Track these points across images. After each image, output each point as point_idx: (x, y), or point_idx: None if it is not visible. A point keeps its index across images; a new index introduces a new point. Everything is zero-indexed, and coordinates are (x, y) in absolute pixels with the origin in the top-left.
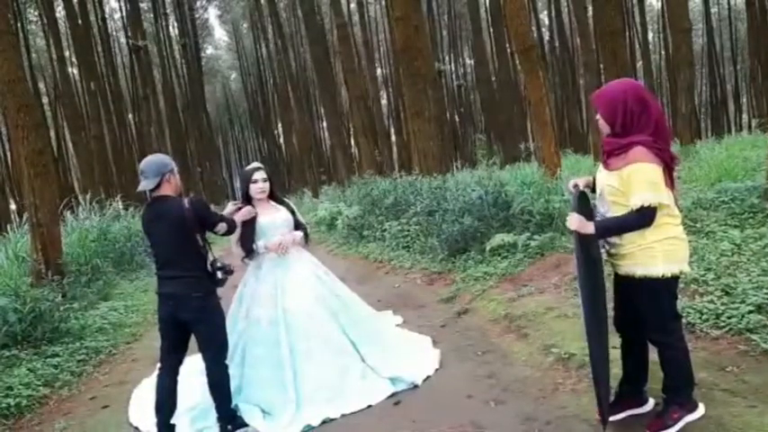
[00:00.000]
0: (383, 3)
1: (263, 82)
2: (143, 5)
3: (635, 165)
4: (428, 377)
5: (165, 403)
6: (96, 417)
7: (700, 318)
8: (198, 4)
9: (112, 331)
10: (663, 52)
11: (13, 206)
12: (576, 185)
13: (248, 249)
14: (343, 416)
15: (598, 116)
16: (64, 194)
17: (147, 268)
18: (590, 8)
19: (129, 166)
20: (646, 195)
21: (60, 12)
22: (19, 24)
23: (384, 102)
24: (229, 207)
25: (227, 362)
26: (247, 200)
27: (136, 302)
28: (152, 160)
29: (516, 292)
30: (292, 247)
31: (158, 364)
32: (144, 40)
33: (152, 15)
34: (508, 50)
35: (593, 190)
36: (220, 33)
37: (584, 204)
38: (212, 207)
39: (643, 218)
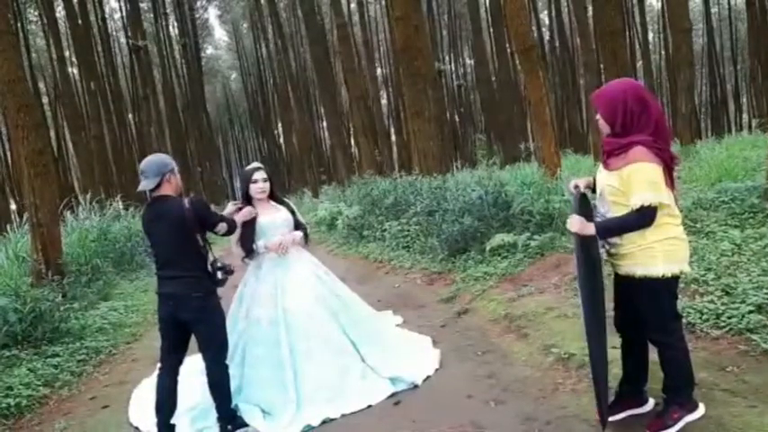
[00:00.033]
0: (383, 3)
1: (263, 82)
2: (143, 5)
3: (635, 164)
4: (428, 377)
5: (166, 403)
6: (96, 417)
7: (700, 318)
8: (198, 4)
9: (112, 331)
10: (663, 52)
11: (13, 206)
12: (576, 187)
13: (248, 249)
14: (343, 416)
15: (598, 116)
16: (64, 194)
17: (147, 268)
18: (590, 8)
19: (130, 166)
20: (646, 195)
21: (60, 12)
22: (19, 24)
23: (384, 102)
24: (230, 207)
25: (227, 362)
26: (247, 200)
27: (136, 302)
28: (152, 160)
29: (516, 292)
30: (292, 247)
31: (158, 364)
32: (144, 40)
33: (152, 15)
34: (508, 50)
35: (594, 190)
36: (220, 33)
37: (584, 205)
38: (212, 207)
39: (643, 218)
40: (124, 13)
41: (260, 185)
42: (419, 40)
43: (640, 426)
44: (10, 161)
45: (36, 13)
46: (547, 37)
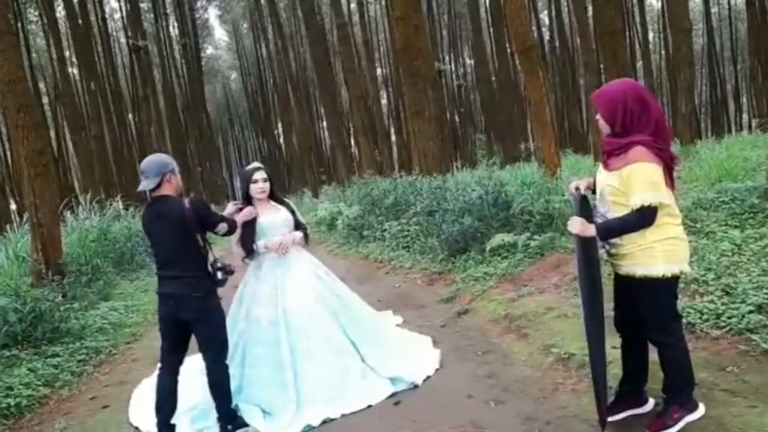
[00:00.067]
0: (383, 3)
1: (263, 82)
2: (143, 5)
3: (635, 164)
4: (428, 377)
5: (166, 403)
6: (96, 417)
7: (700, 318)
8: (198, 4)
9: (113, 331)
10: (663, 52)
11: (13, 206)
12: (577, 188)
13: (248, 249)
14: (343, 416)
15: (598, 116)
16: (64, 194)
17: (147, 268)
18: (590, 8)
19: (130, 166)
20: (646, 195)
21: (60, 12)
22: (19, 24)
23: (384, 102)
24: (230, 208)
25: (227, 362)
26: (247, 200)
27: (136, 302)
28: (153, 160)
29: (516, 292)
30: (292, 248)
31: (159, 364)
32: (144, 40)
33: (152, 15)
34: (508, 50)
35: (595, 192)
36: (220, 33)
37: (584, 207)
38: (213, 207)
39: (644, 218)
40: (124, 13)
41: (260, 185)
42: (419, 40)
43: (640, 426)
44: (10, 161)
45: (36, 13)
46: (547, 37)
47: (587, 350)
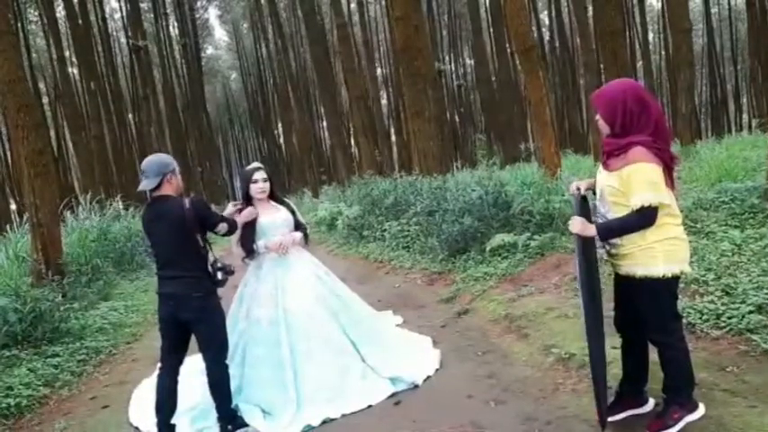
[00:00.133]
0: (383, 3)
1: (263, 82)
2: (143, 5)
3: (635, 165)
4: (428, 377)
5: (166, 403)
6: (96, 417)
7: (700, 318)
8: (198, 4)
9: (113, 331)
10: (663, 52)
11: (13, 206)
12: (578, 189)
13: (249, 249)
14: (343, 416)
15: (598, 116)
16: (64, 194)
17: (147, 268)
18: (590, 8)
19: (130, 166)
20: (646, 195)
21: (60, 12)
22: (19, 24)
23: (384, 102)
24: (230, 208)
25: (227, 362)
26: (247, 200)
27: (136, 302)
28: (153, 160)
29: (516, 292)
30: (292, 248)
31: (159, 364)
32: (144, 40)
33: (152, 15)
34: (508, 50)
35: (595, 192)
36: (220, 33)
37: (585, 207)
38: (212, 207)
39: (644, 218)
40: (124, 13)
41: (260, 185)
42: (419, 40)
43: (641, 426)
44: (10, 161)
45: (36, 13)
46: (547, 37)
47: (587, 350)
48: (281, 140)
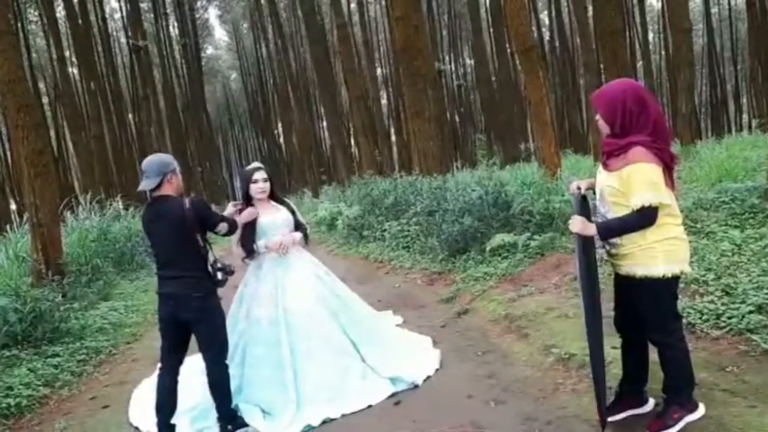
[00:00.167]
0: (383, 3)
1: (263, 82)
2: (143, 5)
3: (634, 165)
4: (428, 377)
5: (166, 403)
6: (96, 417)
7: (700, 318)
8: (198, 4)
9: (113, 331)
10: (663, 52)
11: (13, 206)
12: (578, 188)
13: (249, 249)
14: (343, 416)
15: (598, 116)
16: (64, 194)
17: (147, 268)
18: (590, 8)
19: (130, 166)
20: (646, 195)
21: (60, 12)
22: (19, 24)
23: (384, 102)
24: (229, 209)
25: (227, 362)
26: (248, 200)
27: (136, 302)
28: (154, 160)
29: (516, 292)
30: (292, 248)
31: (159, 364)
32: (144, 40)
33: (152, 15)
34: (508, 50)
35: (595, 192)
36: (220, 33)
37: (585, 207)
38: (213, 207)
39: (644, 218)
40: (124, 13)
41: (260, 185)
42: (419, 40)
43: (641, 426)
44: (10, 161)
45: (36, 13)
46: (547, 37)
47: (588, 350)
48: (281, 140)
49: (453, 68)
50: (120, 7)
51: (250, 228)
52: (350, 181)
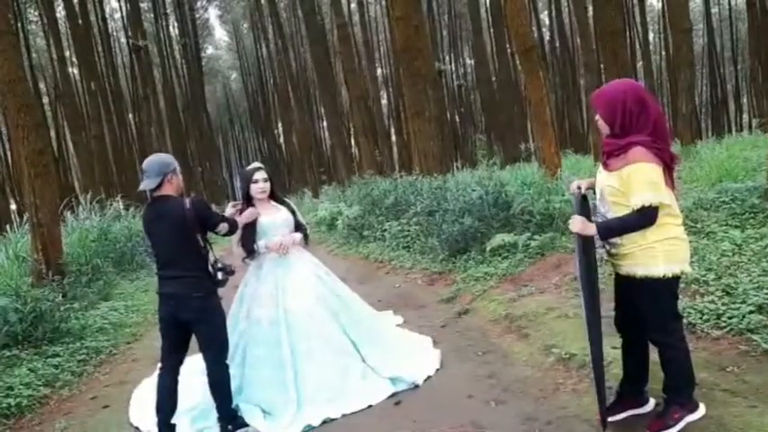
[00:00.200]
0: (383, 3)
1: (263, 82)
2: (143, 5)
3: (634, 165)
4: (429, 377)
5: (166, 403)
6: (97, 416)
7: (700, 318)
8: (198, 4)
9: (113, 331)
10: (663, 52)
11: (13, 206)
12: (578, 188)
13: (249, 250)
14: (343, 416)
15: (597, 117)
16: (64, 194)
17: (147, 268)
18: (590, 8)
19: (130, 166)
20: (646, 195)
21: (60, 12)
22: (19, 24)
23: (384, 102)
24: (229, 209)
25: (227, 362)
26: (248, 200)
27: (136, 302)
28: (154, 160)
29: (517, 292)
30: (293, 248)
31: (159, 364)
32: (144, 40)
33: (152, 15)
34: (508, 51)
35: (596, 192)
36: (221, 33)
37: (585, 206)
38: (213, 207)
39: (644, 218)
40: (124, 13)
41: (260, 185)
42: (419, 40)
43: (641, 426)
44: (10, 161)
45: (36, 13)
46: (547, 37)
47: (588, 350)
48: (282, 140)
49: (453, 68)
50: (120, 7)
51: (250, 228)
52: (350, 181)
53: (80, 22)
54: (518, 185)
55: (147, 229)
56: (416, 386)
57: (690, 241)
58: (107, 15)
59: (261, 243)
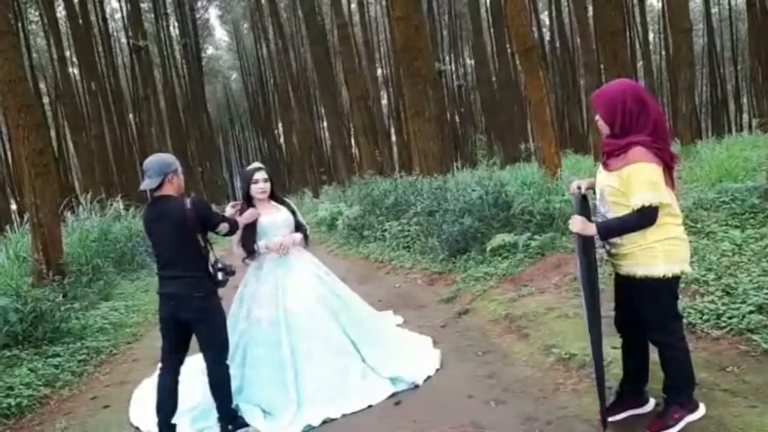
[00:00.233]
0: (383, 3)
1: (263, 82)
2: (144, 5)
3: (634, 165)
4: (429, 377)
5: (166, 403)
6: (97, 417)
7: (700, 318)
8: (198, 4)
9: (113, 331)
10: (663, 52)
11: (13, 206)
12: (578, 188)
13: (249, 250)
14: (343, 416)
15: (597, 117)
16: (65, 194)
17: (147, 268)
18: (590, 8)
19: (130, 166)
20: (646, 195)
21: (61, 12)
22: (19, 24)
23: (384, 102)
24: (229, 210)
25: (227, 362)
26: (248, 200)
27: (137, 302)
28: (155, 160)
29: (517, 292)
30: (293, 248)
31: (159, 364)
32: (145, 41)
33: (153, 15)
34: (508, 51)
35: (596, 192)
36: (221, 33)
37: (585, 206)
38: (213, 207)
39: (644, 218)
40: (125, 14)
41: (261, 185)
42: (419, 40)
43: (641, 426)
44: (10, 161)
45: (36, 13)
46: (547, 37)
47: (588, 350)
48: (282, 140)
49: (454, 69)
50: (121, 7)
51: (251, 228)
52: (350, 181)
53: (80, 22)
54: (518, 185)
55: (148, 228)
56: (416, 386)
57: (690, 241)
58: (107, 15)
59: (261, 243)
